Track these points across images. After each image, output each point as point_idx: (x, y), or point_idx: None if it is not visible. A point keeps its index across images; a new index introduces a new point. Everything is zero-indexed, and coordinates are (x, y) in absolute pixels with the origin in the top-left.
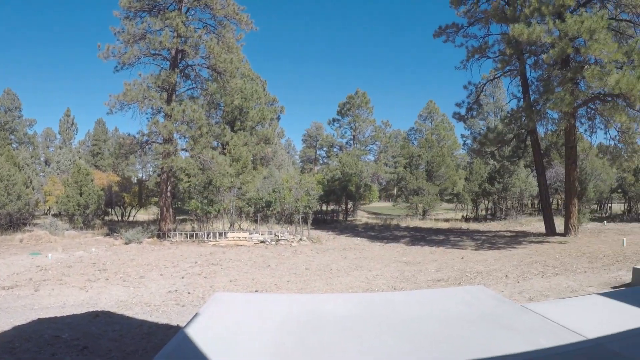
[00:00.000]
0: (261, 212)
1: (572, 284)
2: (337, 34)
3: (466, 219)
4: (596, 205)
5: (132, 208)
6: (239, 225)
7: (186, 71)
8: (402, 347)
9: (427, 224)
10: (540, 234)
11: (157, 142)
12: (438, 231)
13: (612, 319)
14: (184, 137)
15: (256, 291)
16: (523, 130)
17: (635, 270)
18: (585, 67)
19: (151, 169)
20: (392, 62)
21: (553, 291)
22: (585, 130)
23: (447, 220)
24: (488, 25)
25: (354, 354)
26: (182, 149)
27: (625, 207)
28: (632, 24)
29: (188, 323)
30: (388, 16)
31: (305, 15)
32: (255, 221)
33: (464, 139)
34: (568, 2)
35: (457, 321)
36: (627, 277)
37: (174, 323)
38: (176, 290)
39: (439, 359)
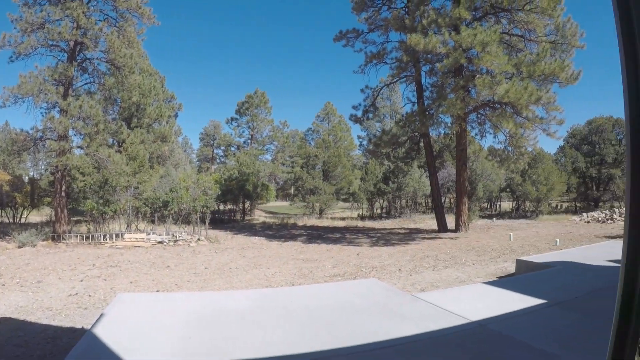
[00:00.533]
0: (158, 212)
1: (460, 275)
2: (237, 33)
3: (362, 218)
4: (487, 204)
5: (24, 209)
6: (136, 226)
7: (84, 64)
8: (303, 335)
9: (323, 222)
10: (432, 231)
11: (52, 139)
12: (334, 229)
13: (494, 303)
14: (80, 134)
15: (157, 291)
16: (416, 133)
17: (518, 261)
18: (477, 76)
19: (43, 167)
20: (292, 63)
21: (443, 282)
22: (476, 134)
23: (343, 218)
24: (387, 33)
25: (258, 343)
26: (78, 147)
27: (514, 205)
28: (523, 39)
29: (94, 324)
30: (289, 18)
31: (207, 12)
32: (153, 222)
33: (360, 140)
34: (464, 16)
35: (353, 311)
36: (512, 268)
37: (78, 326)
38: (77, 294)
39: (337, 344)
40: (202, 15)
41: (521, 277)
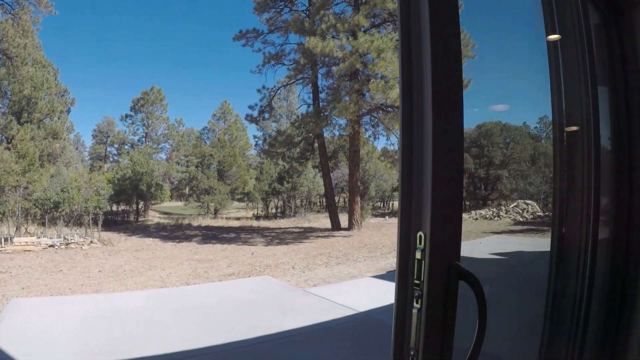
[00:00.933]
0: (49, 213)
1: (352, 271)
2: (135, 28)
3: (257, 217)
4: (380, 203)
5: None
6: (26, 229)
7: None
8: (199, 332)
9: (218, 222)
10: (326, 230)
11: None
12: (229, 229)
13: (381, 295)
14: None
15: (52, 296)
16: (311, 134)
17: None
18: (372, 80)
19: None
20: (190, 60)
21: (335, 278)
22: (370, 136)
23: (238, 218)
24: (287, 35)
25: (156, 342)
26: None
27: None
28: None
29: None
30: (187, 14)
31: (105, 4)
32: (43, 224)
33: (256, 139)
34: (362, 23)
35: (247, 306)
36: None
37: None
38: None
39: (231, 338)
40: (99, 6)
41: None
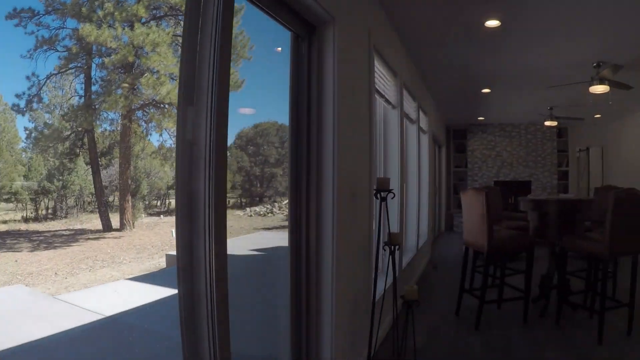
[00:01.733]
0: None
1: (116, 274)
2: None
3: (26, 220)
4: (157, 201)
5: None
6: None
7: None
8: None
9: None
10: (98, 231)
11: None
12: None
13: (134, 297)
14: None
15: None
16: (81, 128)
17: (167, 255)
18: (146, 74)
19: None
20: None
21: (97, 282)
22: (143, 132)
23: (5, 222)
24: (65, 18)
25: None
26: None
27: None
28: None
29: None
30: None
31: None
32: None
33: (28, 132)
34: (141, 14)
35: None
36: (165, 263)
37: None
38: None
39: None
40: None
41: (167, 270)
